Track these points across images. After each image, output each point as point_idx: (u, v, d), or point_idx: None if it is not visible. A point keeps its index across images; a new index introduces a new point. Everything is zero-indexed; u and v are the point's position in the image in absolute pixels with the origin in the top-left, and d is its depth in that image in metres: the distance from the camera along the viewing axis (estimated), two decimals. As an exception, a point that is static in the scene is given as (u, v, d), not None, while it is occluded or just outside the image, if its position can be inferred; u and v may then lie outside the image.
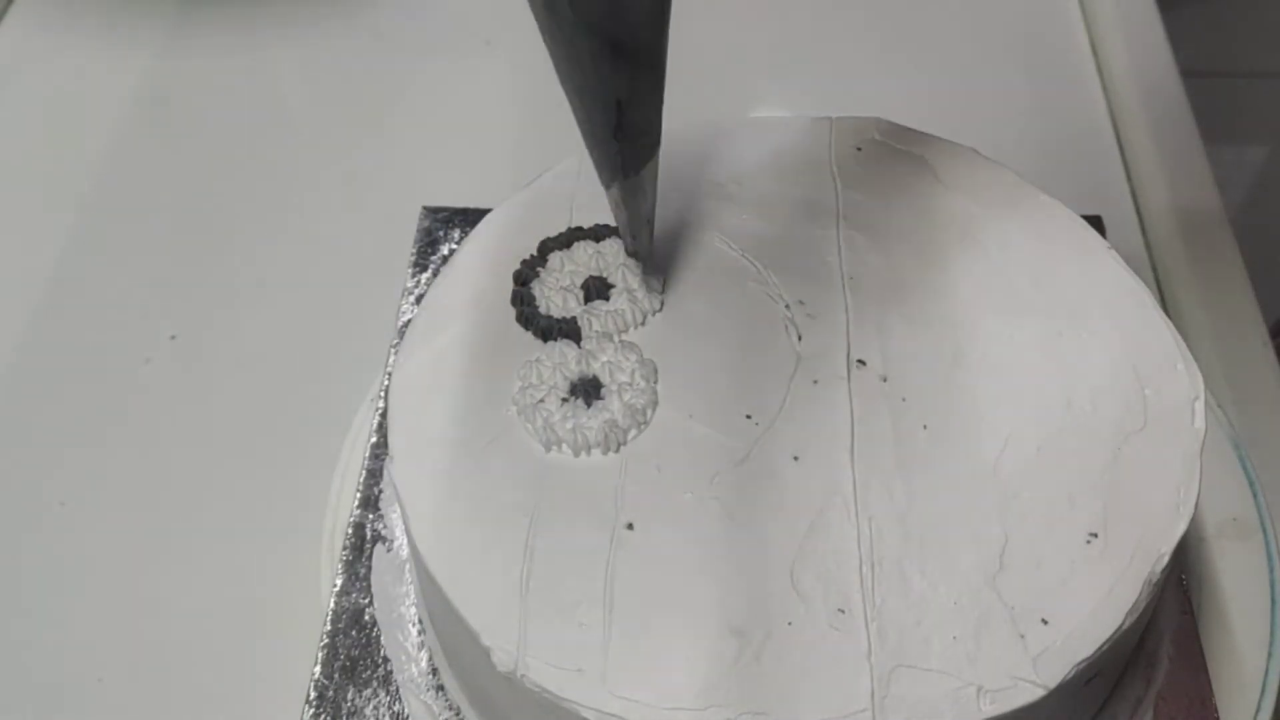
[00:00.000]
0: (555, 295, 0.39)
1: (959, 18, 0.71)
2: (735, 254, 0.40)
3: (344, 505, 0.44)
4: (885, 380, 0.37)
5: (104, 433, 0.51)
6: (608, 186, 0.35)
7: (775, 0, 0.73)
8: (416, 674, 0.38)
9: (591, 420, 0.35)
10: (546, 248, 0.40)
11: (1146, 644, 0.38)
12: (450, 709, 0.38)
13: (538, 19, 0.31)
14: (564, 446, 0.35)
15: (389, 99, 0.67)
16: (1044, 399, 0.36)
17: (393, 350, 0.45)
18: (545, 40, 0.31)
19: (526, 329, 0.38)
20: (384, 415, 0.43)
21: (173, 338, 0.55)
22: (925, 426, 0.36)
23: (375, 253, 0.55)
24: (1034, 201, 0.42)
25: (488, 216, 0.43)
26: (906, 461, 0.35)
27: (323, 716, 0.37)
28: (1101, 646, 0.31)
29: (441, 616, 0.36)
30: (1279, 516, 0.44)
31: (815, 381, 0.37)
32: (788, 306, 0.39)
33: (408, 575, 0.41)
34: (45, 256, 0.58)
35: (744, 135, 0.44)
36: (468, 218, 0.50)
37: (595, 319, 0.38)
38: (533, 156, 0.45)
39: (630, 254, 0.38)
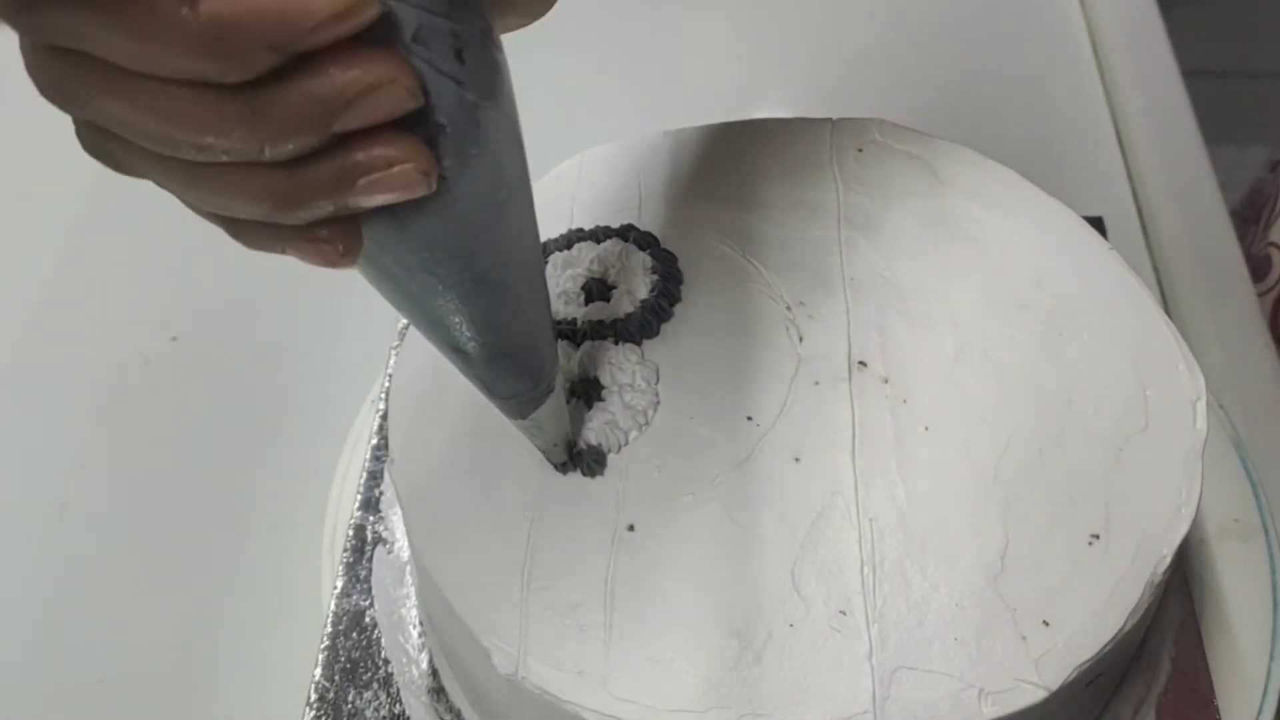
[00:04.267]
0: (555, 296, 0.39)
1: (959, 17, 0.71)
2: (736, 254, 0.40)
3: (345, 507, 0.44)
4: (886, 381, 0.37)
5: (104, 433, 0.51)
6: (510, 418, 0.33)
7: (775, 0, 0.72)
8: (417, 676, 0.38)
9: (592, 421, 0.35)
10: (547, 250, 0.40)
11: (1148, 645, 0.38)
12: (451, 711, 0.38)
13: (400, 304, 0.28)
14: (565, 448, 0.35)
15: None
16: (1045, 400, 0.36)
17: (393, 352, 0.45)
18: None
19: (527, 330, 0.38)
20: (385, 417, 0.43)
21: (173, 338, 0.55)
22: (926, 428, 0.36)
23: (376, 253, 0.55)
24: (1034, 201, 0.42)
25: (488, 217, 0.43)
26: (907, 463, 0.35)
27: (323, 718, 0.37)
28: (1103, 648, 0.31)
29: (442, 618, 0.36)
30: (1280, 517, 0.44)
31: (816, 383, 0.37)
32: (788, 307, 0.39)
33: (408, 577, 0.41)
34: (46, 257, 0.58)
35: (744, 136, 0.44)
36: (468, 218, 0.50)
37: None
38: (533, 157, 0.44)
39: (558, 467, 0.35)
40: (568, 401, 0.36)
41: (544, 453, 0.35)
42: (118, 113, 0.21)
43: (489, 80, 0.24)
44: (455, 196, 0.24)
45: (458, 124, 0.23)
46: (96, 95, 0.21)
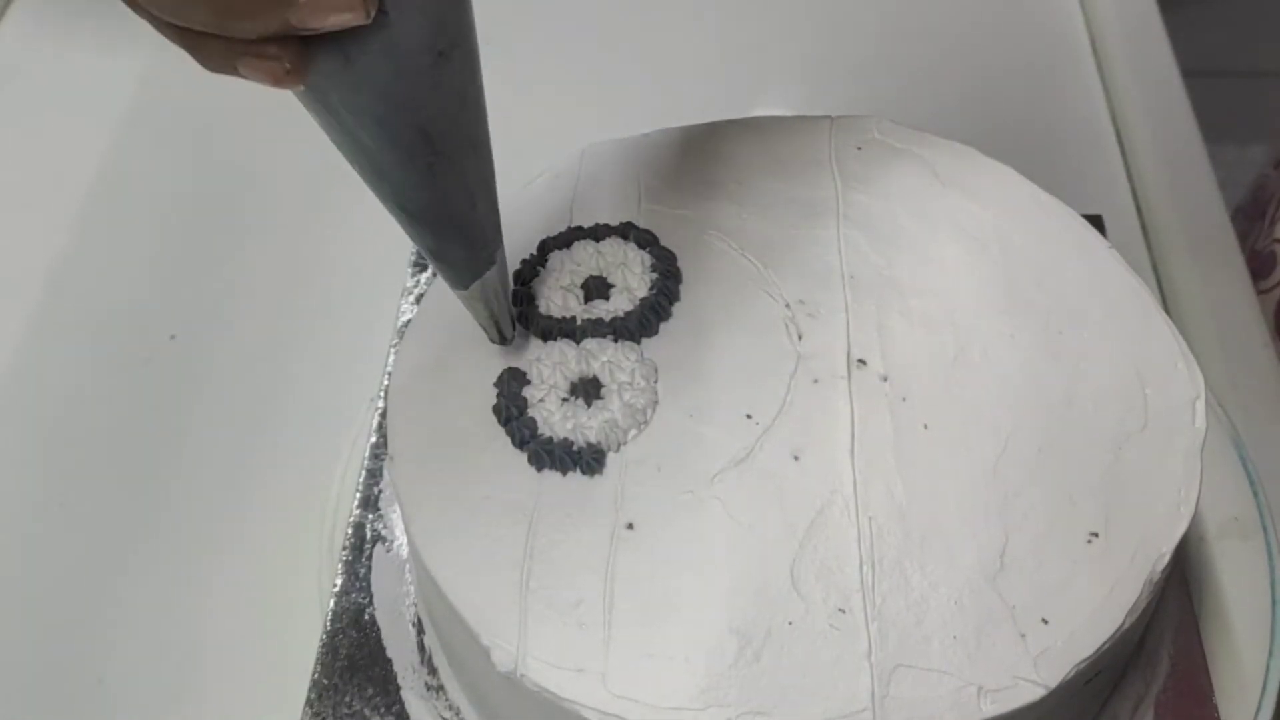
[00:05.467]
0: (555, 295, 0.39)
1: (959, 17, 0.71)
2: (735, 254, 0.40)
3: (344, 505, 0.44)
4: (885, 380, 0.37)
5: (104, 432, 0.51)
6: (454, 288, 0.35)
7: (775, 0, 0.73)
8: (417, 675, 0.38)
9: (591, 420, 0.35)
10: (546, 248, 0.40)
11: (1147, 644, 0.38)
12: (451, 710, 0.38)
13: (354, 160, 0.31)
14: (564, 446, 0.35)
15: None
16: (1045, 399, 0.36)
17: (393, 350, 0.45)
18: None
19: (526, 329, 0.38)
20: (384, 415, 0.43)
21: (173, 338, 0.55)
22: (925, 426, 0.36)
23: (375, 253, 0.55)
24: (1034, 201, 0.42)
25: (488, 216, 0.43)
26: (907, 461, 0.35)
27: (323, 717, 0.37)
28: (1102, 646, 0.31)
29: (441, 617, 0.36)
30: (1279, 516, 0.44)
31: (815, 381, 0.37)
32: (788, 306, 0.39)
33: (407, 575, 0.41)
34: (46, 256, 0.58)
35: (744, 135, 0.44)
36: (468, 217, 0.50)
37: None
38: (533, 156, 0.45)
39: (495, 343, 0.37)
40: (567, 399, 0.36)
41: (484, 328, 0.37)
42: None
43: None
44: (396, 35, 0.27)
45: None
46: None
